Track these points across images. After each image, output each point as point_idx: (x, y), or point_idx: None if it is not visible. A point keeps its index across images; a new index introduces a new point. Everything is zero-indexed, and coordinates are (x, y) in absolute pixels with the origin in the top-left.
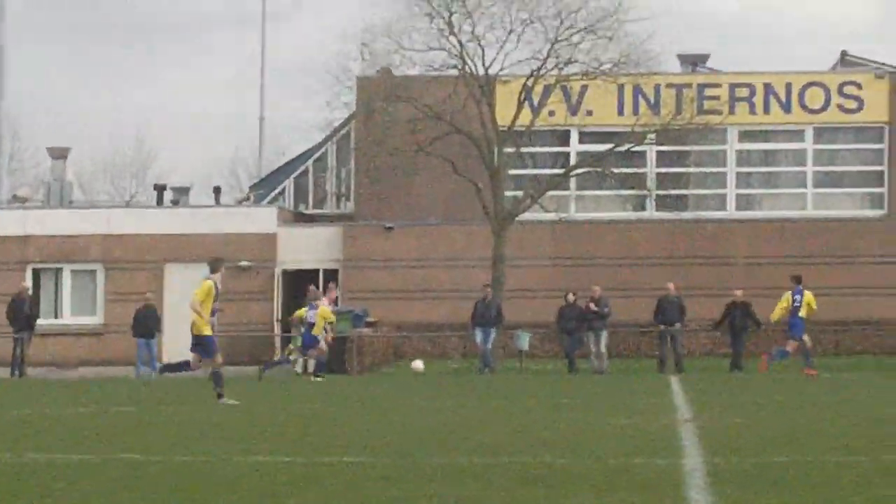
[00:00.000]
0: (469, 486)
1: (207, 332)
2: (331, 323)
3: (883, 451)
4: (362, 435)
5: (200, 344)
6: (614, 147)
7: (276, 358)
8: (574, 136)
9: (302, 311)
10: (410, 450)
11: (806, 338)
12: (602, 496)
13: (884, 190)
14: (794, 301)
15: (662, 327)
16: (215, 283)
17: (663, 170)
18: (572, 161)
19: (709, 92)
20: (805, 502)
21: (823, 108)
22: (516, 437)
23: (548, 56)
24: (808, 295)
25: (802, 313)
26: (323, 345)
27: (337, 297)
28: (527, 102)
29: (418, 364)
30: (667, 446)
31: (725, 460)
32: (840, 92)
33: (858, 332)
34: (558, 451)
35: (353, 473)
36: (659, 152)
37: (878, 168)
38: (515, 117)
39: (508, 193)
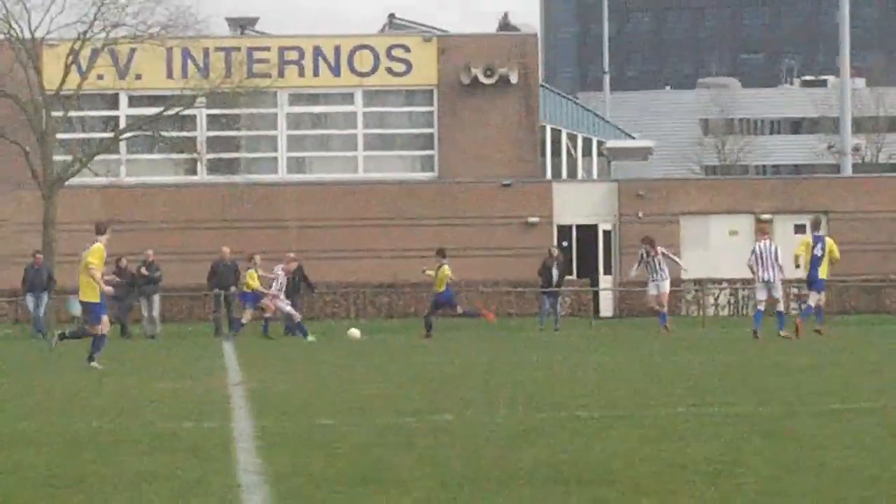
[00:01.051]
0: (22, 452)
1: (96, 298)
2: None
3: (433, 412)
4: None
5: (89, 311)
6: (164, 110)
7: None
8: (123, 100)
9: None
10: None
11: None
12: (152, 459)
13: (434, 153)
14: (814, 250)
15: (217, 291)
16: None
17: (214, 133)
18: (122, 125)
19: (258, 55)
20: (353, 463)
21: (373, 71)
22: (66, 404)
23: (95, 19)
24: (831, 242)
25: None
26: None
27: None
28: (74, 66)
29: (354, 332)
30: (216, 410)
31: (275, 423)
32: (389, 55)
33: (412, 293)
34: (107, 417)
35: None
36: (209, 116)
37: (429, 131)
38: (63, 81)
39: (58, 158)
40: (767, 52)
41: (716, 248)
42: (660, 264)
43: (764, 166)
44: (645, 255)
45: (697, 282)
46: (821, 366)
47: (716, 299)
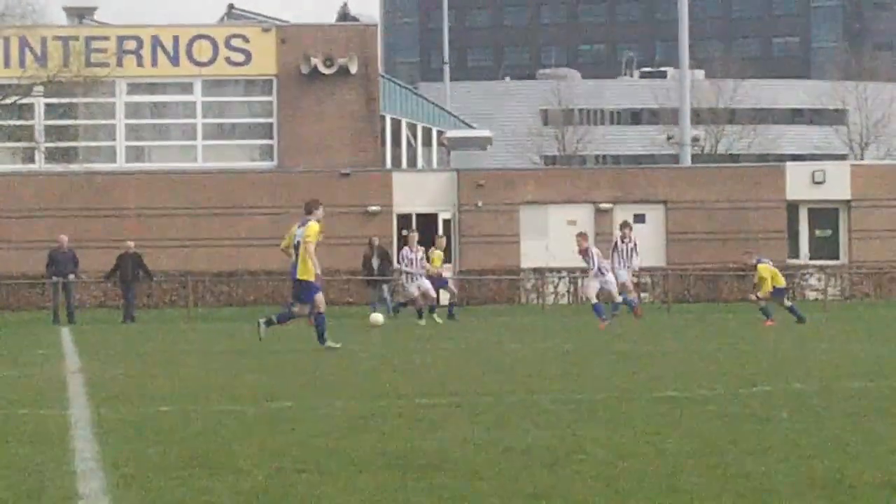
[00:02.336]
0: None
1: (311, 276)
2: None
3: (273, 399)
4: None
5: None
6: (1, 99)
7: None
8: None
9: None
10: None
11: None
12: None
13: (273, 142)
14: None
15: (55, 279)
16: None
17: (52, 122)
18: None
19: (96, 45)
20: (191, 450)
21: (211, 61)
22: None
23: None
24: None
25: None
26: None
27: None
28: None
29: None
30: (54, 397)
31: (112, 410)
32: (228, 45)
33: (251, 282)
34: None
35: None
36: (47, 105)
37: (268, 120)
38: None
39: None
40: (607, 44)
41: (555, 238)
42: (631, 252)
43: (604, 156)
44: (619, 242)
45: (537, 270)
46: (658, 353)
47: (555, 288)
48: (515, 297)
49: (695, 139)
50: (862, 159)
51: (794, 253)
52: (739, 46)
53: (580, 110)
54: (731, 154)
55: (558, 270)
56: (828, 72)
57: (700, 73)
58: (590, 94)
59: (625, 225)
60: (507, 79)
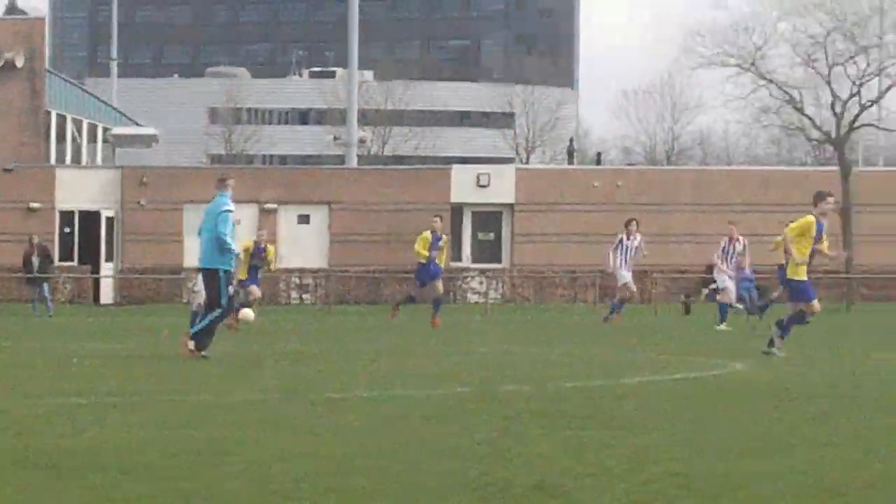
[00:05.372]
0: None
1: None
2: None
3: None
4: None
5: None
6: None
7: None
8: None
9: None
10: None
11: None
12: None
13: None
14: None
15: None
16: None
17: None
18: None
19: None
20: None
21: None
22: None
23: None
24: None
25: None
26: None
27: None
28: None
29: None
30: None
31: None
32: None
33: None
34: None
35: None
36: None
37: None
38: None
39: None
40: (277, 43)
41: None
42: (636, 251)
43: (271, 156)
44: (625, 239)
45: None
46: (318, 354)
47: None
48: (177, 296)
49: (361, 140)
50: (528, 163)
51: (458, 256)
52: (409, 49)
53: (248, 109)
54: (397, 156)
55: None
56: (496, 76)
57: (369, 75)
58: (258, 94)
59: (630, 223)
60: (176, 76)
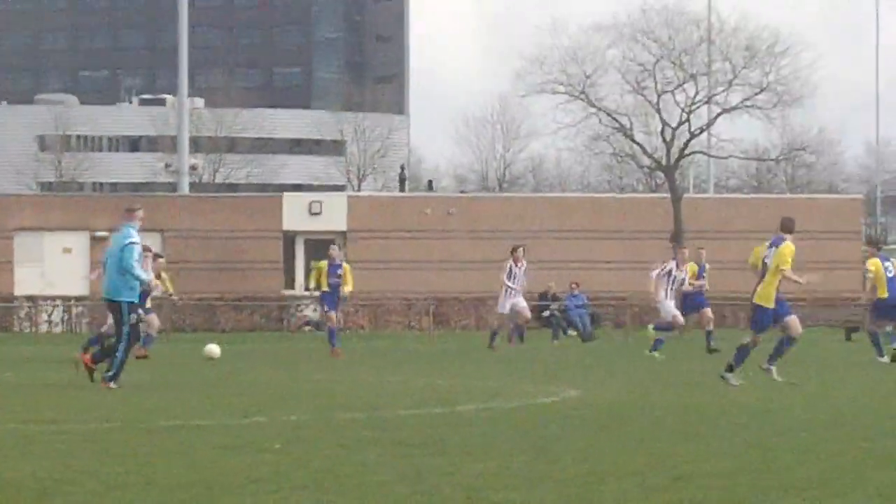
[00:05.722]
0: None
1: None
2: None
3: None
4: None
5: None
6: None
7: None
8: None
9: None
10: None
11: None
12: None
13: None
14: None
15: None
16: None
17: None
18: None
19: None
20: None
21: None
22: None
23: None
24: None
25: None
26: None
27: None
28: None
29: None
30: None
31: None
32: None
33: None
34: None
35: None
36: None
37: None
38: None
39: None
40: (108, 70)
41: (50, 265)
42: (523, 278)
43: (101, 183)
44: (514, 266)
45: (30, 298)
46: (160, 384)
47: (49, 316)
48: (8, 325)
49: (193, 168)
50: (359, 190)
51: (290, 284)
52: (241, 76)
53: (78, 137)
54: (230, 183)
55: (53, 298)
56: (328, 103)
57: (200, 102)
58: (88, 121)
59: (516, 249)
60: (4, 103)
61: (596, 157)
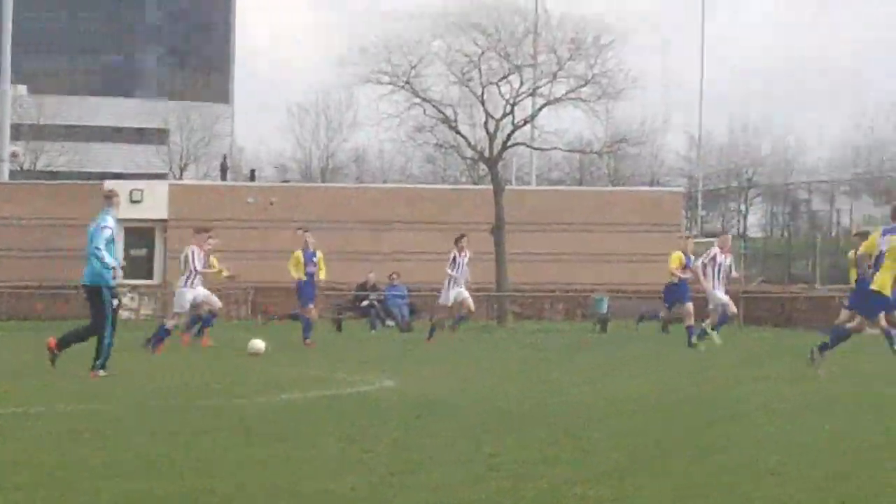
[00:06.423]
0: None
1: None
2: None
3: None
4: None
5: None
6: None
7: None
8: None
9: None
10: None
11: None
12: None
13: None
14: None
15: None
16: None
17: None
18: None
19: None
20: None
21: None
22: None
23: None
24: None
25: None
26: None
27: None
28: None
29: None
30: None
31: None
32: None
33: None
34: None
35: None
36: None
37: None
38: None
39: None
40: None
41: None
42: (729, 269)
43: None
44: (719, 255)
45: None
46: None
47: None
48: None
49: (14, 155)
50: (181, 178)
51: None
52: (65, 62)
53: None
54: (51, 171)
55: None
56: (152, 91)
57: (23, 88)
58: None
59: (724, 238)
60: None
61: (419, 148)
